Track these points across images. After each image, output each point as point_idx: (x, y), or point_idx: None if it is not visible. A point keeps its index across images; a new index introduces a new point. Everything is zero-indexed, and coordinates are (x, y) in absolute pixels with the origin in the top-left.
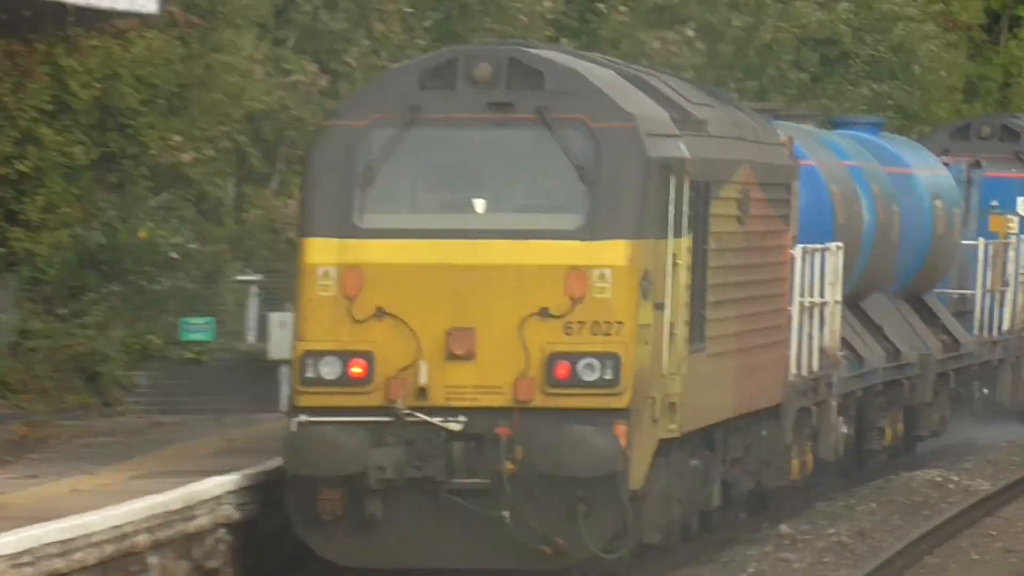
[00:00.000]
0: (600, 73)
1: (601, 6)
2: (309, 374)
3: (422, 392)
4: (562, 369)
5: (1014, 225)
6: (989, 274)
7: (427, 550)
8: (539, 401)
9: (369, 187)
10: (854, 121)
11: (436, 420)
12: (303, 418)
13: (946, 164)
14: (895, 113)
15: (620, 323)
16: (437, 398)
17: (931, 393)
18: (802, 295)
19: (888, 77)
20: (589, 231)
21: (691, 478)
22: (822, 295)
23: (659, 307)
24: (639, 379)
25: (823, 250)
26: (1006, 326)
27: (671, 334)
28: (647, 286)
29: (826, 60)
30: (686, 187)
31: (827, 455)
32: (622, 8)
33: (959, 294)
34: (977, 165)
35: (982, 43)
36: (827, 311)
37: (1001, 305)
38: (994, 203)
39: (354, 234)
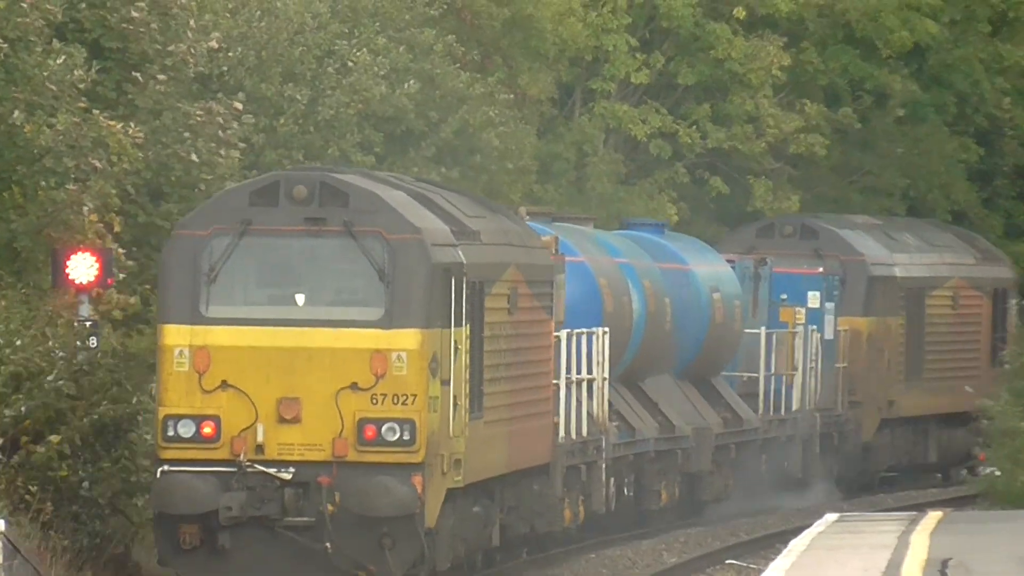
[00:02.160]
0: (394, 194)
1: (138, 75)
2: (170, 433)
3: (259, 448)
4: (370, 431)
5: (802, 316)
6: (773, 359)
7: (266, 574)
8: (352, 456)
9: (212, 284)
10: (640, 223)
11: (271, 471)
12: (165, 468)
13: (731, 261)
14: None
15: (415, 395)
16: (271, 453)
17: (709, 463)
18: (569, 372)
19: (453, 163)
20: (388, 321)
21: (474, 521)
22: (590, 372)
23: (445, 383)
24: (431, 440)
25: (590, 333)
26: (795, 406)
27: (455, 404)
28: (435, 366)
29: (392, 140)
30: (464, 286)
31: (597, 508)
32: (161, 76)
33: (748, 377)
34: (763, 262)
35: (553, 119)
36: (595, 385)
37: (790, 387)
38: (783, 296)
39: (202, 321)
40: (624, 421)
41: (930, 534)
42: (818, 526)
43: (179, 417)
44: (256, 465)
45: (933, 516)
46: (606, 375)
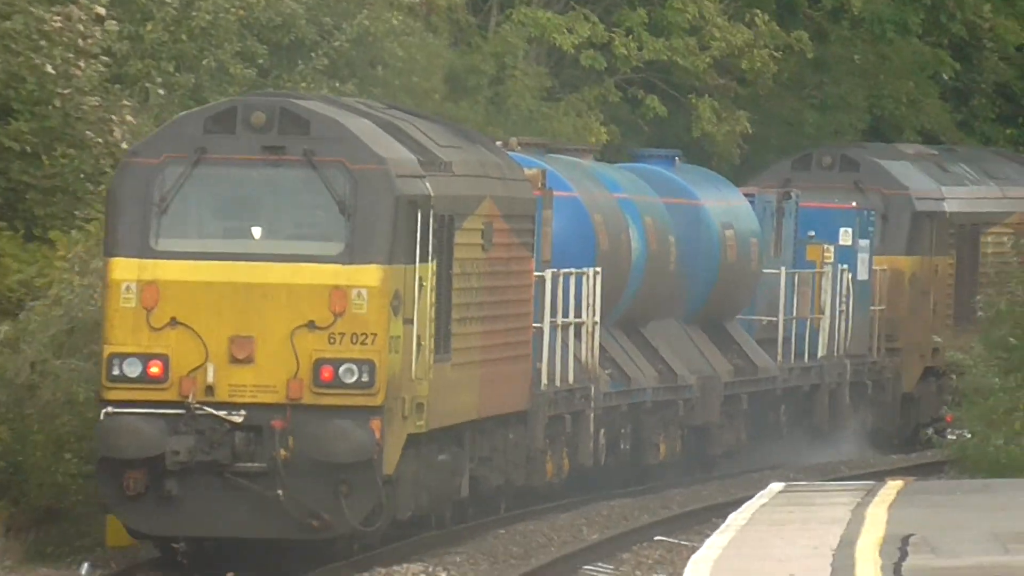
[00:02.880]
0: (358, 122)
1: None
2: (115, 372)
3: (209, 389)
4: (326, 372)
5: (831, 254)
6: (796, 301)
7: (216, 522)
8: (308, 399)
9: (163, 215)
10: (650, 154)
11: (221, 413)
12: (110, 409)
13: (750, 195)
14: None
15: (375, 335)
16: (222, 395)
17: (717, 415)
18: (555, 315)
19: (350, 76)
20: (348, 256)
21: (440, 470)
22: (579, 315)
23: (408, 322)
24: (391, 382)
25: (579, 274)
26: (821, 352)
27: (419, 345)
28: (397, 304)
29: (279, 50)
30: (431, 220)
31: (584, 461)
32: None
33: (768, 321)
34: (787, 195)
35: (468, 28)
36: (584, 330)
37: (815, 332)
38: (811, 233)
39: (151, 255)
40: (619, 369)
41: (889, 507)
42: (761, 497)
43: (125, 356)
44: (206, 407)
45: (893, 486)
46: (597, 319)
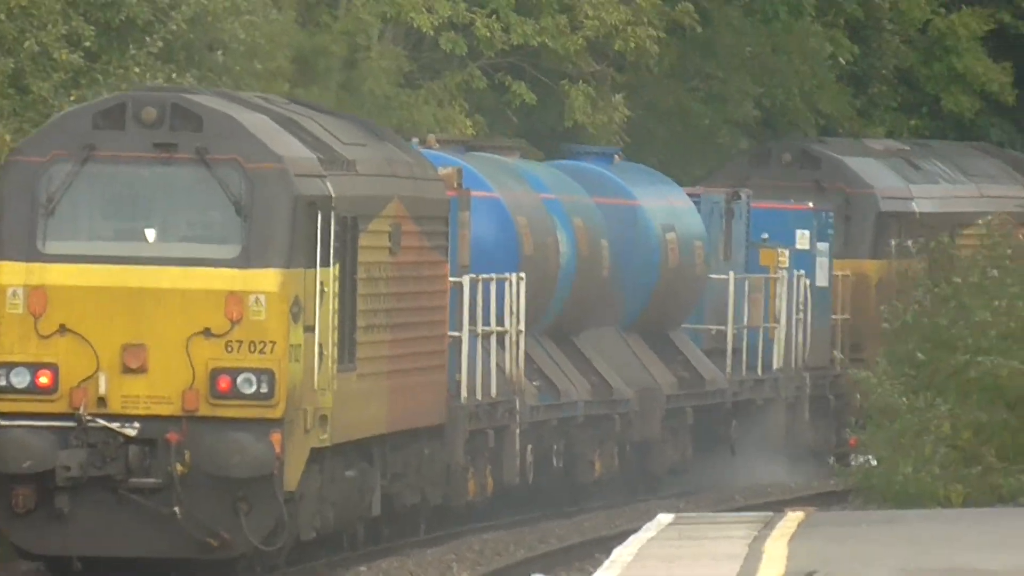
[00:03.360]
0: (253, 119)
1: None
2: (1, 383)
3: (101, 400)
4: (223, 383)
5: (786, 259)
6: (747, 309)
7: (110, 540)
8: (204, 411)
9: (51, 217)
10: (585, 151)
11: (114, 426)
12: None
13: (695, 195)
14: None
15: (274, 343)
16: (115, 406)
17: (659, 430)
18: (475, 323)
19: (188, 62)
20: (245, 260)
21: (347, 487)
22: (501, 324)
23: (309, 329)
24: (292, 393)
25: (500, 280)
26: (776, 365)
27: (321, 354)
28: (297, 310)
29: (108, 32)
30: (332, 221)
31: (510, 479)
32: None
33: (717, 330)
34: (736, 196)
35: (316, 4)
36: (508, 339)
37: (770, 342)
38: (765, 236)
39: (38, 258)
40: (547, 381)
41: (789, 540)
42: (648, 530)
43: (12, 365)
44: (98, 419)
45: (793, 517)
46: (522, 328)
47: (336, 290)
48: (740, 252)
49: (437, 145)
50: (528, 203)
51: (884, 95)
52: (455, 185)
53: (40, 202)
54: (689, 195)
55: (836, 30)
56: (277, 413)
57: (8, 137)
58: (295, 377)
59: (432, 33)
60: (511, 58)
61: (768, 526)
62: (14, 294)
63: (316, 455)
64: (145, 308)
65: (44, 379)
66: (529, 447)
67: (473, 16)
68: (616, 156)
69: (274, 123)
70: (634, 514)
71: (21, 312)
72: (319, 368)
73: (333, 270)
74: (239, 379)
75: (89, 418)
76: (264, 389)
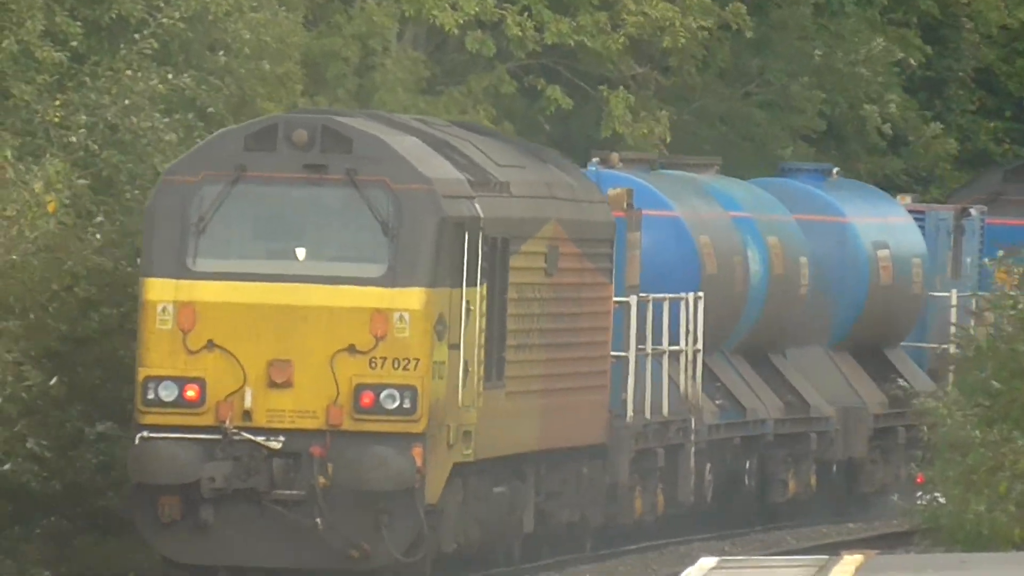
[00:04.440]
0: (403, 141)
1: None
2: (150, 396)
3: (247, 414)
4: (367, 398)
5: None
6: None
7: (253, 551)
8: (347, 425)
9: (201, 235)
10: (797, 167)
11: (259, 439)
12: (144, 434)
13: (918, 212)
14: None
15: (417, 359)
16: (260, 420)
17: (865, 449)
18: (643, 343)
19: (186, 64)
20: (390, 279)
21: (496, 503)
22: (675, 343)
23: (454, 347)
24: (434, 409)
25: (675, 299)
26: None
27: (466, 371)
28: (442, 328)
29: (97, 30)
30: (480, 242)
31: (683, 498)
32: None
33: (943, 348)
34: (965, 212)
35: (327, 4)
36: (683, 358)
37: None
38: (1000, 253)
39: (188, 276)
40: (732, 399)
41: None
42: (692, 573)
43: (160, 379)
44: (243, 433)
45: (850, 561)
46: (699, 346)
47: (483, 309)
48: (970, 270)
49: (620, 164)
50: (714, 221)
51: (960, 99)
52: (624, 206)
53: (191, 221)
54: (912, 212)
55: (907, 30)
56: (419, 428)
57: (8, 153)
58: (438, 393)
59: (456, 33)
60: (544, 59)
61: (822, 571)
62: (164, 310)
63: (459, 470)
64: (291, 325)
65: (191, 393)
66: (708, 466)
67: (503, 13)
68: (832, 172)
69: (425, 145)
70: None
71: (170, 328)
72: (463, 385)
73: (480, 290)
74: (382, 395)
75: (235, 431)
76: (407, 404)
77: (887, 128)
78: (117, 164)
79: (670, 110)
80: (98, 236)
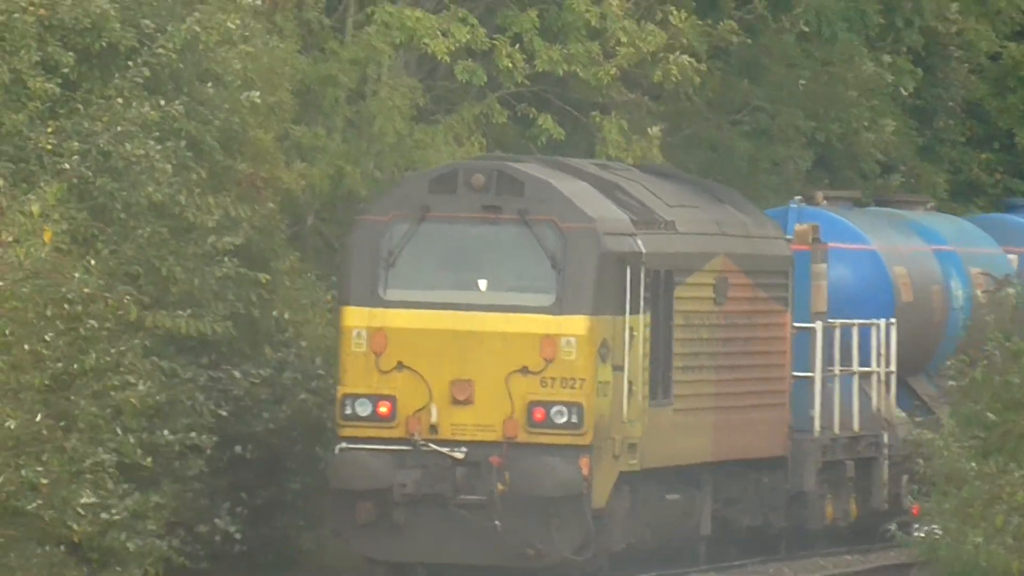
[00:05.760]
0: (571, 184)
1: None
2: (347, 411)
3: (433, 428)
4: (539, 414)
5: None
6: None
7: (440, 549)
8: (522, 437)
9: (391, 268)
10: (1019, 204)
11: (444, 450)
12: (343, 445)
13: None
14: None
15: (583, 379)
16: (445, 433)
17: None
18: (830, 364)
19: (177, 93)
20: (558, 307)
21: (668, 508)
22: (866, 364)
23: (618, 368)
24: (599, 423)
25: (865, 325)
26: None
27: (630, 390)
28: (605, 351)
29: (88, 59)
30: (642, 275)
31: (878, 506)
32: None
33: None
34: None
35: (322, 31)
36: (875, 379)
37: None
38: None
39: (380, 304)
40: (935, 417)
41: None
42: None
43: (356, 396)
44: (430, 444)
45: None
46: (892, 368)
47: (647, 335)
48: None
49: (824, 202)
50: (911, 254)
51: (951, 129)
52: (810, 240)
53: (382, 256)
54: None
55: (897, 57)
56: (585, 440)
57: (1, 182)
58: (602, 409)
59: (447, 60)
60: (535, 87)
61: None
62: (358, 335)
63: (626, 478)
64: (472, 348)
65: (384, 409)
66: (904, 477)
67: (494, 43)
68: None
69: (593, 188)
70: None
71: (364, 350)
72: (628, 402)
73: (643, 317)
74: (552, 411)
75: (422, 443)
76: (574, 419)
77: (880, 156)
78: (112, 192)
79: (659, 130)
80: (93, 262)
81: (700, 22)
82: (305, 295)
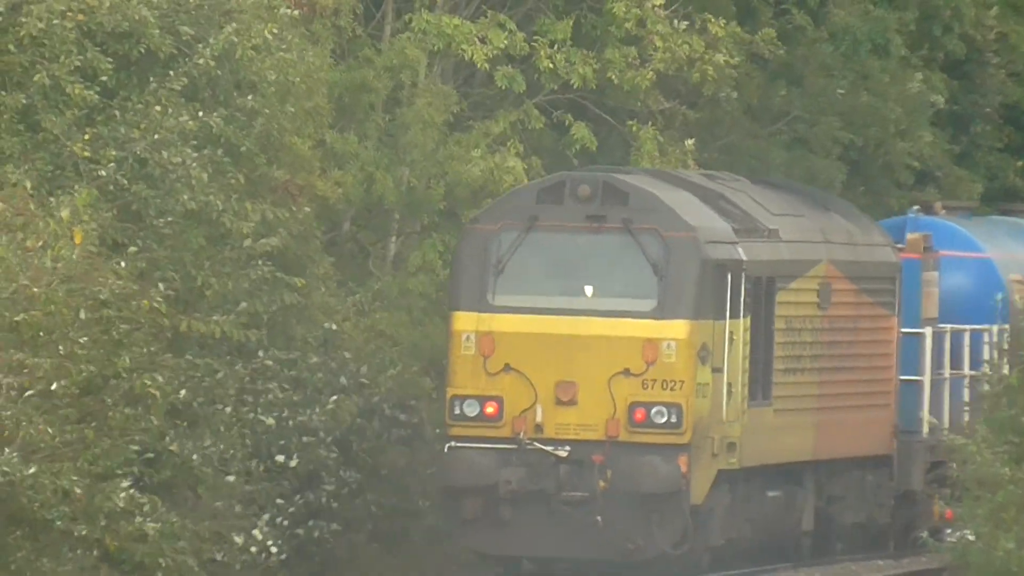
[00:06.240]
0: (675, 194)
1: None
2: (456, 412)
3: (538, 427)
4: (640, 414)
5: None
6: None
7: (544, 543)
8: (624, 437)
9: (499, 275)
10: None
11: (549, 448)
12: (452, 444)
13: None
14: None
15: (683, 381)
16: (549, 432)
17: None
18: (939, 368)
19: (214, 102)
20: (660, 312)
21: (768, 505)
22: (978, 368)
23: (717, 370)
24: (698, 423)
25: (979, 330)
26: None
27: (729, 391)
28: (705, 355)
29: (126, 66)
30: (742, 281)
31: None
32: None
33: None
34: None
35: (355, 38)
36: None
37: None
38: None
39: (488, 309)
40: None
41: None
42: None
43: (464, 397)
44: (535, 443)
45: None
46: (1004, 372)
47: (747, 338)
48: None
49: (944, 211)
50: None
51: (987, 135)
52: (922, 248)
53: (491, 263)
54: None
55: (932, 69)
56: (684, 440)
57: (28, 184)
58: (701, 410)
59: (486, 67)
60: (571, 94)
61: None
62: (467, 338)
63: (726, 476)
64: (576, 351)
65: (491, 409)
66: None
67: (534, 46)
68: None
69: (696, 198)
70: None
71: (473, 353)
72: (727, 403)
73: (743, 321)
74: (653, 411)
75: (528, 442)
76: (674, 419)
77: (915, 164)
78: (147, 198)
79: (692, 144)
80: (122, 264)
81: (738, 29)
82: (340, 301)
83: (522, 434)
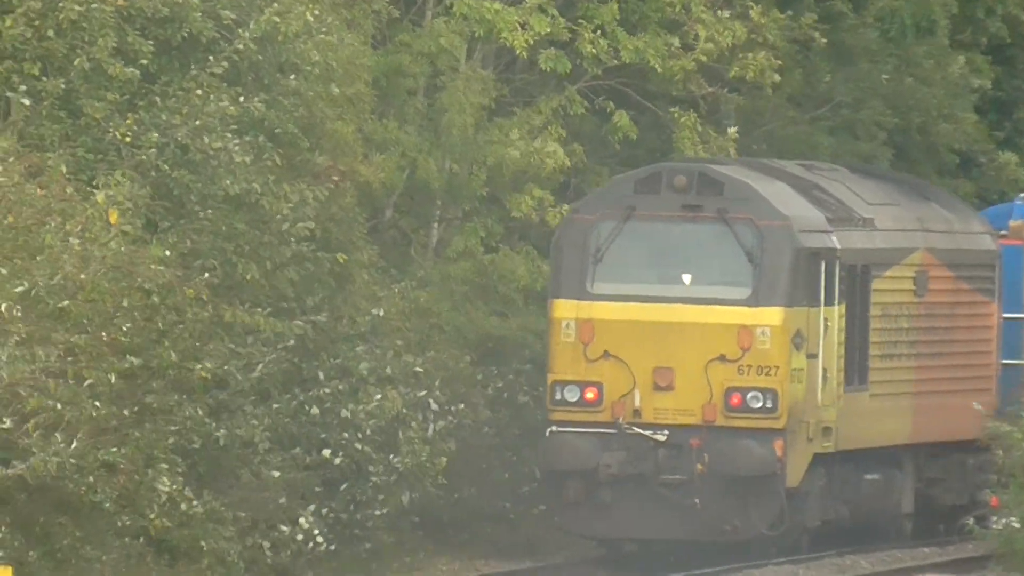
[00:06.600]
0: (769, 185)
1: None
2: (557, 397)
3: (637, 412)
4: (735, 399)
5: None
6: None
7: (644, 525)
8: (720, 421)
9: (598, 264)
10: None
11: (647, 433)
12: (554, 428)
13: None
14: None
15: (777, 367)
16: (648, 417)
17: None
18: None
19: (256, 86)
20: (754, 300)
21: (867, 487)
22: None
23: (812, 356)
24: (793, 408)
25: None
26: None
27: (824, 377)
28: (799, 341)
29: (167, 50)
30: (836, 268)
31: None
32: None
33: None
34: None
35: (394, 22)
36: None
37: None
38: None
39: (587, 297)
40: None
41: None
42: None
43: (565, 383)
44: (634, 427)
45: None
46: None
47: (842, 325)
48: None
49: None
50: None
51: None
52: None
53: (590, 252)
54: None
55: (975, 52)
56: (780, 424)
57: (64, 168)
58: (796, 395)
59: (526, 56)
60: (612, 80)
61: None
62: (567, 326)
63: (821, 459)
64: (672, 338)
65: (591, 395)
66: None
67: (577, 29)
68: None
69: (790, 188)
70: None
71: (573, 340)
72: (822, 388)
73: (838, 308)
74: (748, 396)
75: (627, 426)
76: (769, 404)
77: (959, 148)
78: (188, 184)
79: (735, 132)
80: (166, 253)
81: (781, 15)
82: (382, 288)
83: (621, 419)
